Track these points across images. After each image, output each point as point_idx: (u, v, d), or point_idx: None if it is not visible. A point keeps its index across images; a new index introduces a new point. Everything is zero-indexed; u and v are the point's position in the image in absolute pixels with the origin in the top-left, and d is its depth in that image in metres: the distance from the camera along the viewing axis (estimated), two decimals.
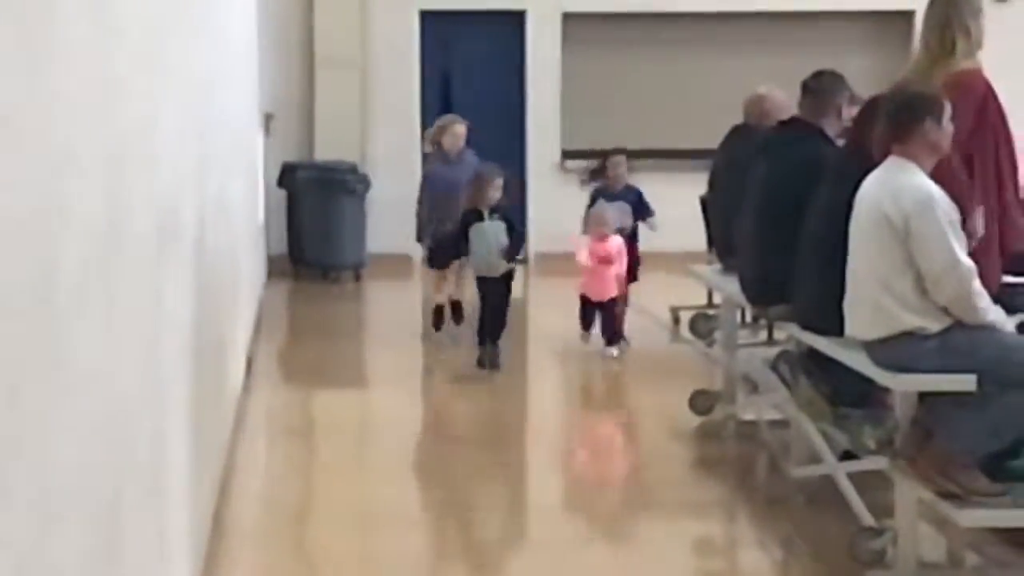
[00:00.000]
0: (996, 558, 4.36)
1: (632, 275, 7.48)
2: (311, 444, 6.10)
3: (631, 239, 7.37)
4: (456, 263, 7.21)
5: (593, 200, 7.38)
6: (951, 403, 4.02)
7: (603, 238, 6.91)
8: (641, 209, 7.38)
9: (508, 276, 6.78)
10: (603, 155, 7.63)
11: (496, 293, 6.75)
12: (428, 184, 7.49)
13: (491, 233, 6.60)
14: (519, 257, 7.30)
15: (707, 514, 4.87)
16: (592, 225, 7.03)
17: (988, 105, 4.22)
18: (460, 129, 7.40)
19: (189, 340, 3.53)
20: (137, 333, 2.54)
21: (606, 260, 6.90)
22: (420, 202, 7.58)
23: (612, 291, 6.91)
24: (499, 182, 6.76)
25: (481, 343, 6.68)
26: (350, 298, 9.68)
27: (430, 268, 7.62)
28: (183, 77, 3.58)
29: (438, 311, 7.31)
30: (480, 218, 6.61)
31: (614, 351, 6.90)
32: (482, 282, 6.80)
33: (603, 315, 6.95)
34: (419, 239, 7.74)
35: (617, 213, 7.08)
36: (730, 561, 4.60)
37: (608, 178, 7.46)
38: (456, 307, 7.37)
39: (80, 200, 1.88)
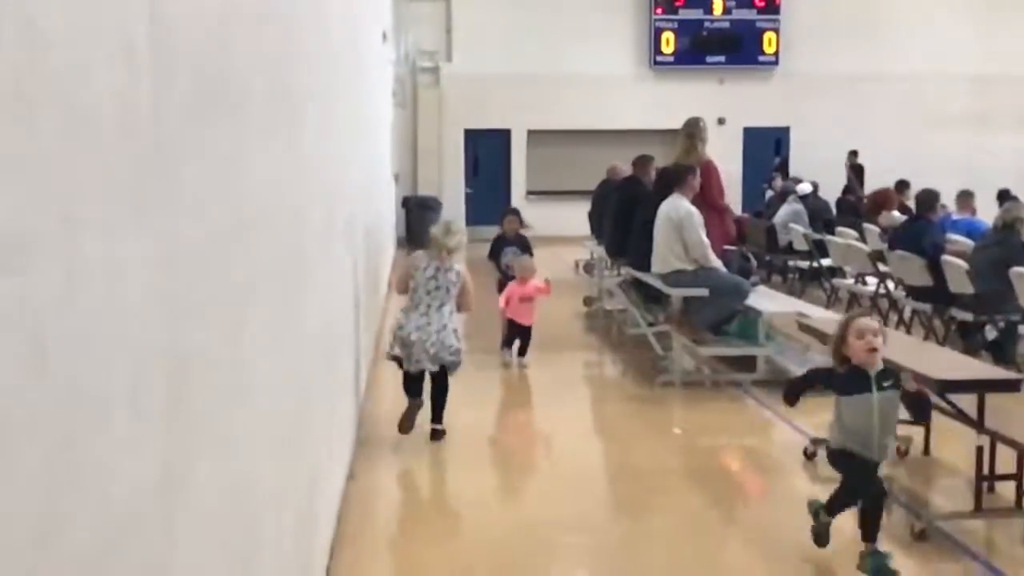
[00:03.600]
0: (716, 370, 8.42)
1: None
2: None
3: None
4: None
5: (494, 248, 9.95)
6: (697, 301, 8.30)
7: (524, 282, 8.86)
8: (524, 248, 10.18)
9: None
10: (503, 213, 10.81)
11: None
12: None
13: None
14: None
15: (590, 348, 9.84)
16: (518, 272, 8.96)
17: (712, 172, 9.09)
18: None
19: (364, 280, 8.20)
20: (339, 274, 5.30)
21: (526, 299, 8.74)
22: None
23: (532, 318, 8.75)
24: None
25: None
26: None
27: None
28: (364, 157, 8.36)
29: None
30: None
31: (525, 360, 8.73)
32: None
33: (522, 336, 8.74)
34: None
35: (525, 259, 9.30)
36: (599, 367, 9.42)
37: (504, 231, 10.04)
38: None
39: (315, 217, 4.56)
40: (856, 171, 16.45)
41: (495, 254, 9.95)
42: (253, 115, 2.51)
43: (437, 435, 6.28)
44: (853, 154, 17.09)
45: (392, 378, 8.54)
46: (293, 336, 3.22)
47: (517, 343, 8.82)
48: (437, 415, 6.31)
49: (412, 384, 6.32)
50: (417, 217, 18.86)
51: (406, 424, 6.27)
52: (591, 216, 12.59)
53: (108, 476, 1.38)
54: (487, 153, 20.43)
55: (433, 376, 6.27)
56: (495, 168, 20.44)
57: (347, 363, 5.67)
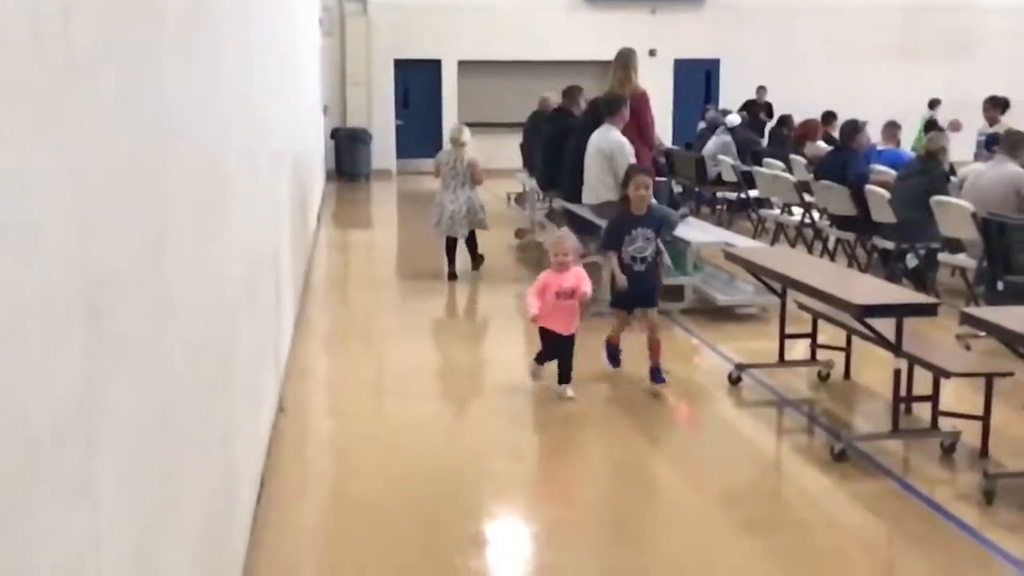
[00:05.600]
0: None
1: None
2: (348, 253, 11.79)
3: None
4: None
5: (615, 229, 6.29)
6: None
7: (564, 268, 5.82)
8: None
9: None
10: None
11: None
12: None
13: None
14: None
15: (522, 280, 9.82)
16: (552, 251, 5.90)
17: (644, 103, 9.11)
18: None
19: (294, 206, 8.13)
20: (269, 203, 5.68)
21: (567, 295, 5.80)
22: None
23: (575, 325, 5.87)
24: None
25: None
26: (363, 188, 18.01)
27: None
28: (291, 92, 8.21)
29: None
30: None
31: (568, 390, 5.82)
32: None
33: (562, 351, 5.89)
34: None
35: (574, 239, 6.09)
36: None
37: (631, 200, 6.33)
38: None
39: (238, 139, 4.64)
40: (761, 109, 16.47)
41: (616, 236, 6.31)
42: (171, 32, 2.45)
43: (477, 265, 9.60)
44: (761, 90, 17.15)
45: (322, 312, 8.52)
46: (216, 260, 3.18)
47: (549, 360, 6.03)
48: (475, 263, 9.60)
49: (450, 248, 9.43)
50: (347, 149, 18.74)
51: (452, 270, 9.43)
52: (523, 148, 12.57)
53: (22, 395, 1.36)
54: (417, 84, 20.17)
55: (466, 239, 9.40)
56: (426, 100, 20.20)
57: (275, 292, 5.63)
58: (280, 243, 6.08)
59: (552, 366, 6.00)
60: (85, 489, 1.60)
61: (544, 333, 5.98)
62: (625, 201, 6.44)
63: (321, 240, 11.71)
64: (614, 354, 6.41)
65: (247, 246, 4.12)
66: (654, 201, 6.13)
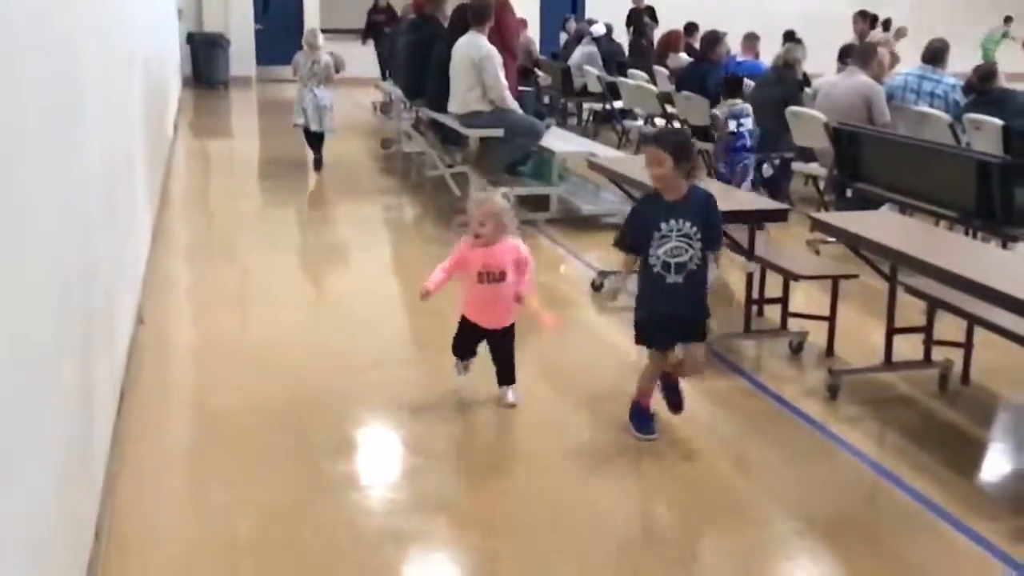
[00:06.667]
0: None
1: None
2: (208, 163, 11.56)
3: None
4: None
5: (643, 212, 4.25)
6: (493, 141, 8.32)
7: (486, 241, 4.32)
8: None
9: None
10: None
11: None
12: None
13: None
14: None
15: (388, 191, 9.77)
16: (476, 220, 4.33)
17: (506, 9, 8.96)
18: None
19: (147, 114, 7.81)
20: (118, 110, 5.08)
21: (495, 277, 4.35)
22: None
23: (509, 317, 4.45)
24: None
25: None
26: (222, 97, 17.29)
27: None
28: None
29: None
30: None
31: (510, 394, 4.49)
32: None
33: (494, 345, 4.50)
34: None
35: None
36: (398, 210, 9.23)
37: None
38: None
39: (91, 47, 4.29)
40: (644, 13, 16.50)
41: (639, 230, 4.17)
42: None
43: (318, 165, 10.33)
44: None
45: (181, 223, 8.29)
46: (70, 174, 3.07)
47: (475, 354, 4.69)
48: (318, 161, 10.35)
49: (313, 139, 10.29)
50: (204, 55, 17.96)
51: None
52: (380, 56, 12.34)
53: None
54: None
55: (317, 134, 10.22)
56: (286, 4, 19.52)
57: (131, 205, 5.45)
58: (134, 150, 5.86)
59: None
60: None
61: (464, 324, 4.50)
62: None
63: (179, 150, 11.31)
64: (644, 419, 4.25)
65: (105, 159, 3.96)
66: (700, 184, 4.15)
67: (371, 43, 15.62)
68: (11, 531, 2.02)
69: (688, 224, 4.02)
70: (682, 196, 4.06)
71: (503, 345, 4.47)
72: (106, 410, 3.74)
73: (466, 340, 4.56)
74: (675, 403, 4.35)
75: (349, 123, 13.13)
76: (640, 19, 15.86)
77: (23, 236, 2.24)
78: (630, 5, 16.43)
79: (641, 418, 4.25)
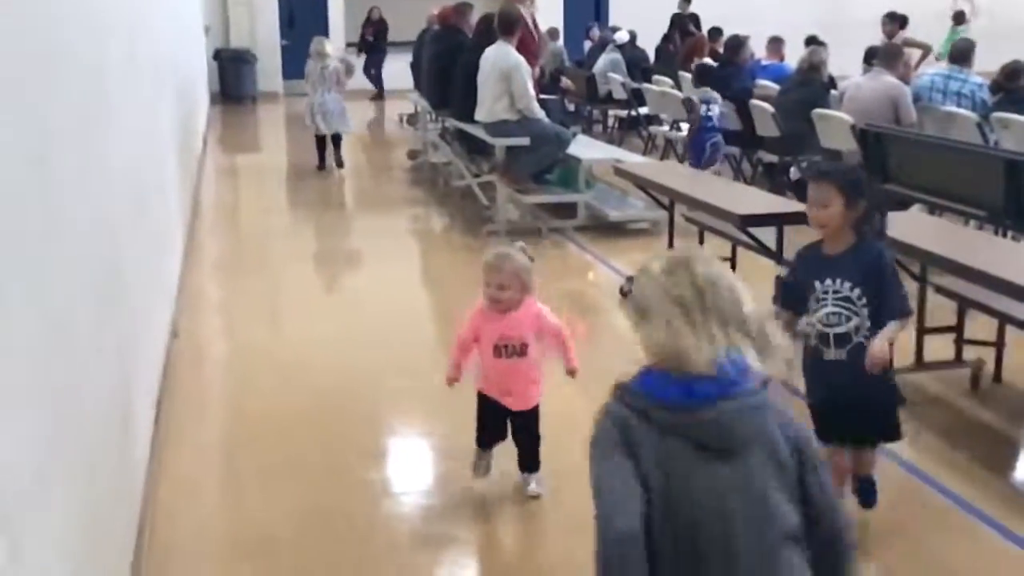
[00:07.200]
0: (540, 218, 8.46)
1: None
2: (237, 177, 11.57)
3: None
4: None
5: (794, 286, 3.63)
6: (520, 150, 8.21)
7: (502, 308, 3.63)
8: None
9: None
10: None
11: None
12: None
13: None
14: None
15: (416, 201, 9.81)
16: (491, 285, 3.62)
17: (523, 25, 8.97)
18: None
19: (178, 127, 7.96)
20: (148, 119, 5.33)
21: (516, 351, 3.64)
22: None
23: (534, 396, 3.73)
24: None
25: None
26: (249, 112, 17.52)
27: None
28: (176, 14, 7.96)
29: None
30: None
31: (533, 483, 3.79)
32: None
33: (518, 428, 3.78)
34: None
35: None
36: (426, 220, 9.19)
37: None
38: None
39: (115, 55, 4.41)
40: (689, 20, 16.45)
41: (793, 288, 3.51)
42: None
43: (339, 163, 10.87)
44: (684, 2, 17.10)
45: (213, 237, 8.39)
46: (99, 179, 3.13)
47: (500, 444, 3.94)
48: (339, 159, 10.89)
49: (323, 143, 10.84)
50: (231, 71, 18.13)
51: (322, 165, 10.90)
52: (413, 68, 12.43)
53: None
54: (302, 2, 19.65)
55: (332, 138, 10.76)
56: (312, 18, 19.63)
57: (164, 217, 5.53)
58: (164, 161, 5.95)
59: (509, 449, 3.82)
60: None
61: (484, 402, 3.76)
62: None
63: (208, 165, 11.44)
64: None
65: (133, 166, 4.04)
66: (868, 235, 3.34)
67: (398, 56, 15.81)
68: (53, 535, 2.07)
69: (848, 285, 3.23)
70: (845, 249, 3.28)
71: (527, 428, 3.73)
72: (141, 418, 3.80)
73: (490, 423, 3.75)
74: (866, 502, 3.52)
75: (375, 134, 13.31)
76: (685, 24, 15.82)
77: (57, 234, 2.29)
78: (673, 10, 16.45)
79: None
